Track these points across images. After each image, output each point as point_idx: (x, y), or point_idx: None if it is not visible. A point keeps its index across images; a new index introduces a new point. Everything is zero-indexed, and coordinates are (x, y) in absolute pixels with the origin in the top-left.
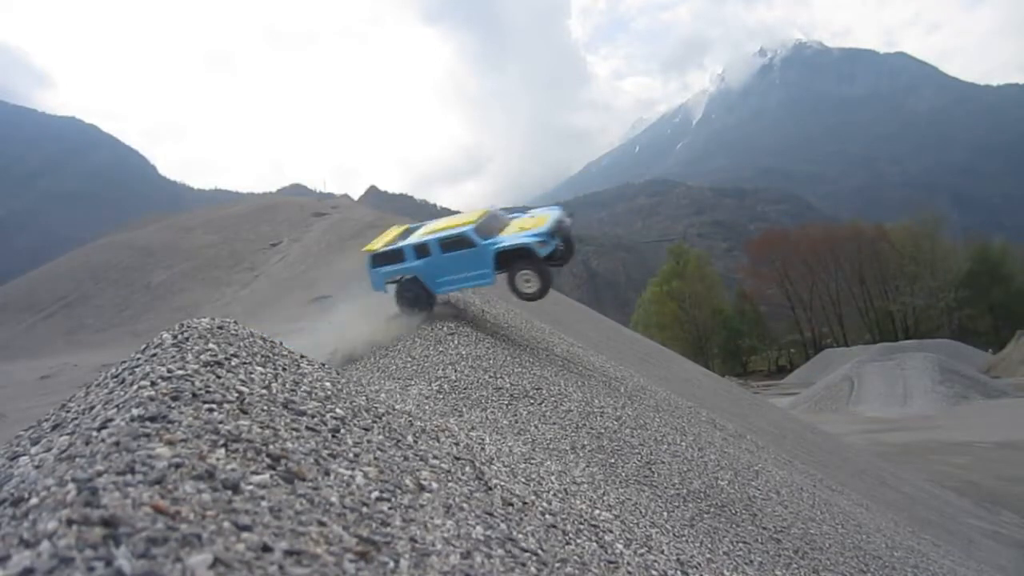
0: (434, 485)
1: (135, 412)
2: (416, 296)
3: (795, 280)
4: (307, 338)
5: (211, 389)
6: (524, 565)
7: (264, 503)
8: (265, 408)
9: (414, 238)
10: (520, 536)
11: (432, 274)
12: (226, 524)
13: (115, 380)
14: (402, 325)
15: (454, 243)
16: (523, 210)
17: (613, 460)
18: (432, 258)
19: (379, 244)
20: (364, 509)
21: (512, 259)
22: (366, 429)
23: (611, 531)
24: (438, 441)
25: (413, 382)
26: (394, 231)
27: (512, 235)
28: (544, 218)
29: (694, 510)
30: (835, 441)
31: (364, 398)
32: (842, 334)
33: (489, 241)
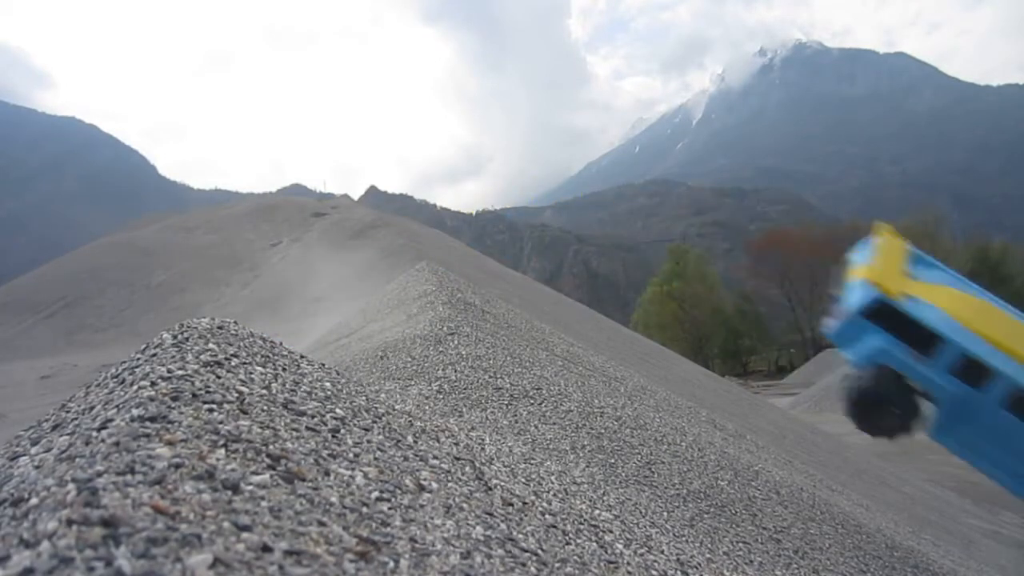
0: (434, 485)
1: (135, 412)
2: (896, 417)
3: (795, 280)
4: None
5: (211, 389)
6: (524, 565)
7: (264, 503)
8: (265, 408)
9: (961, 324)
10: (520, 536)
11: (960, 422)
12: (226, 524)
13: (115, 380)
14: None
15: None
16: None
17: (613, 460)
18: (985, 396)
19: (892, 278)
20: (364, 509)
21: None
22: (366, 429)
23: (611, 531)
24: (438, 441)
25: (413, 382)
26: (896, 248)
27: None
28: None
29: (694, 510)
30: (835, 441)
31: (364, 398)
32: None
33: None
